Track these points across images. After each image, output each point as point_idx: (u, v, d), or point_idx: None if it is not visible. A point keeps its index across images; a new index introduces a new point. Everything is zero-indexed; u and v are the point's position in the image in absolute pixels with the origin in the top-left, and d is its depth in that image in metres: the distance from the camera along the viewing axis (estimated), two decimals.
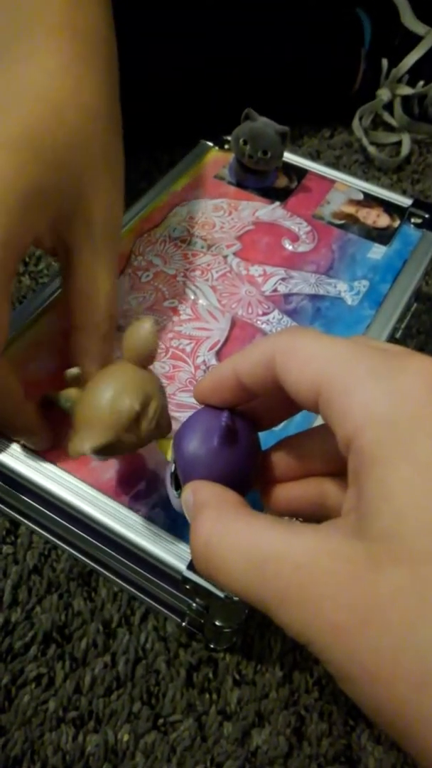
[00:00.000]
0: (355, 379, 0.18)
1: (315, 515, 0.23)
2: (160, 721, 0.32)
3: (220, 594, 0.27)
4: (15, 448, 0.31)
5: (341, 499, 0.22)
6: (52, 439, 0.30)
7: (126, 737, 0.31)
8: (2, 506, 0.36)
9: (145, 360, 0.26)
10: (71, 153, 0.29)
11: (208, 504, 0.20)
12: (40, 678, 0.32)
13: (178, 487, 0.25)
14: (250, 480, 0.24)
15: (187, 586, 0.28)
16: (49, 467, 0.30)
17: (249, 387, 0.22)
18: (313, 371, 0.19)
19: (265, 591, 0.17)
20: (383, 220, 0.43)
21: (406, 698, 0.14)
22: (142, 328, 0.25)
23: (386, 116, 0.65)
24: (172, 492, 0.26)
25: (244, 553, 0.18)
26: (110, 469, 0.30)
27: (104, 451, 0.25)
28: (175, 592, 0.31)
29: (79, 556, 0.35)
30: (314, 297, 0.38)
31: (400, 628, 0.14)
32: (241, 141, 0.42)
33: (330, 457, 0.22)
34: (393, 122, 0.64)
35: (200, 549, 0.19)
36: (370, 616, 0.15)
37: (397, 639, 0.14)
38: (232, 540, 0.18)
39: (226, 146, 0.47)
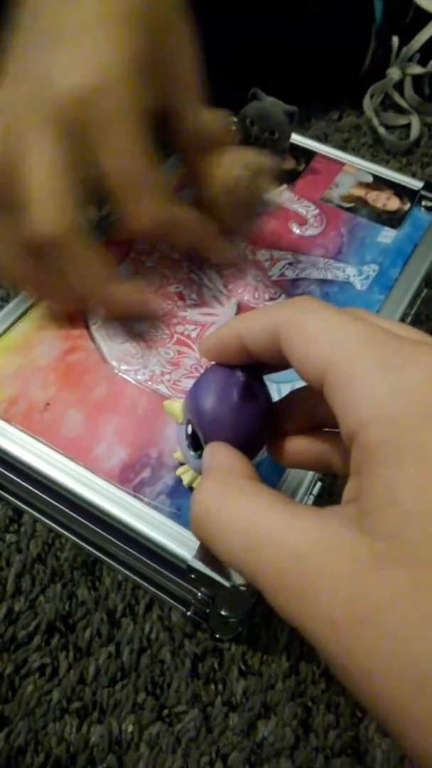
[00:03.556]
0: (361, 369, 0.17)
1: (320, 470, 0.23)
2: (165, 711, 0.31)
3: (226, 583, 0.26)
4: (17, 434, 0.30)
5: (345, 462, 0.21)
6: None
7: (130, 728, 0.31)
8: (5, 494, 0.36)
9: (218, 140, 0.34)
10: (163, 28, 0.30)
11: (215, 471, 0.20)
12: (43, 668, 0.32)
13: (197, 448, 0.25)
14: (265, 435, 0.24)
15: (192, 575, 0.27)
16: (52, 454, 0.29)
17: (253, 353, 0.21)
18: (319, 354, 0.18)
19: (260, 573, 0.17)
20: (393, 203, 0.42)
21: (400, 701, 0.14)
22: (207, 116, 0.33)
23: (396, 97, 0.63)
24: (189, 454, 0.26)
25: (241, 530, 0.17)
26: (114, 456, 0.30)
27: None
28: (180, 581, 0.30)
29: (83, 544, 0.35)
30: (322, 282, 0.37)
31: (397, 633, 0.14)
32: (247, 121, 0.40)
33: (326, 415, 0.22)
34: (403, 103, 0.63)
35: (199, 515, 0.19)
36: (368, 617, 0.14)
37: (394, 643, 0.14)
38: (231, 514, 0.18)
39: (232, 127, 0.46)
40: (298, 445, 0.23)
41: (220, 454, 0.21)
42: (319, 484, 0.30)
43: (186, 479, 0.28)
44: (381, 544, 0.15)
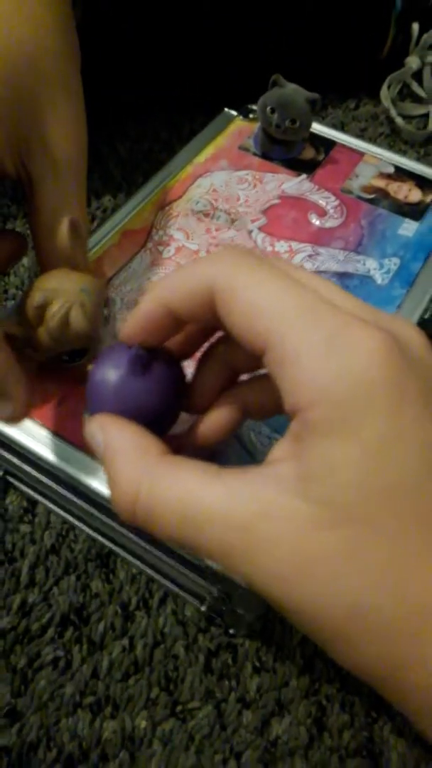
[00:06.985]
0: (307, 348, 0.18)
1: (237, 423, 0.24)
2: (179, 707, 0.31)
3: (243, 584, 0.26)
4: (34, 428, 0.29)
5: (263, 402, 0.23)
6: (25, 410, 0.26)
7: (143, 724, 0.31)
8: (19, 484, 0.35)
9: (66, 260, 0.26)
10: (23, 67, 0.26)
11: (126, 451, 0.20)
12: (57, 661, 0.32)
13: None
14: (167, 416, 0.23)
15: (209, 574, 0.27)
16: (63, 446, 0.29)
17: (182, 316, 0.21)
18: (261, 325, 0.19)
19: (207, 547, 0.18)
20: (415, 195, 0.41)
21: (334, 631, 0.17)
22: (59, 229, 0.26)
23: (415, 86, 0.62)
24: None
25: (177, 510, 0.19)
26: None
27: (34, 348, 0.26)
28: (195, 578, 0.30)
29: (98, 536, 0.34)
30: (342, 275, 0.36)
31: (331, 574, 0.17)
32: (268, 109, 0.40)
33: (243, 362, 0.23)
34: (421, 93, 0.62)
35: (127, 503, 0.19)
36: (306, 568, 0.17)
37: (325, 588, 0.17)
38: (163, 495, 0.19)
39: (251, 115, 0.45)
40: (216, 423, 0.23)
41: (120, 431, 0.21)
42: None
43: None
44: (319, 508, 0.17)
